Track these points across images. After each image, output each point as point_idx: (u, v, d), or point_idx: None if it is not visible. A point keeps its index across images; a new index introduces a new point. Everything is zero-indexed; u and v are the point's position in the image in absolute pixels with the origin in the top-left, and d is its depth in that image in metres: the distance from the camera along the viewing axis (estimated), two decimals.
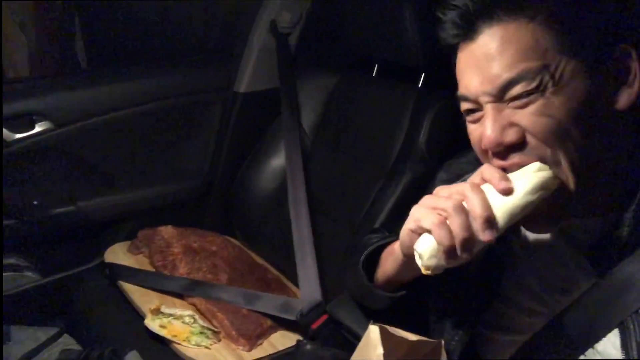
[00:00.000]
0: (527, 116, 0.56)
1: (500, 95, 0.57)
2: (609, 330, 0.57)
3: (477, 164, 0.80)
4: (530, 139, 0.56)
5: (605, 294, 0.57)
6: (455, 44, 0.61)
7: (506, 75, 0.56)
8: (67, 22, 1.93)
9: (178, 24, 1.86)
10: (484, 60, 0.57)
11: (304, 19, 1.51)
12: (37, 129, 1.30)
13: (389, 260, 0.72)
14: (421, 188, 0.96)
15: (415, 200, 0.63)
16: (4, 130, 1.26)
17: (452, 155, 0.86)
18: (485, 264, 0.71)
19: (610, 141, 0.58)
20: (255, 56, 1.50)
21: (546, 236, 0.66)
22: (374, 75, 1.40)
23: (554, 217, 0.60)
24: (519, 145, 0.57)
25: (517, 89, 0.56)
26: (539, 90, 0.55)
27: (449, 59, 0.65)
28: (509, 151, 0.58)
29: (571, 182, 0.57)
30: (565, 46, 0.55)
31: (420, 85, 1.28)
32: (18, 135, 1.28)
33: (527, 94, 0.55)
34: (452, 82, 0.65)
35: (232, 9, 1.60)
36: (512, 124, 0.57)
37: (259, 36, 1.49)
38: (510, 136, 0.57)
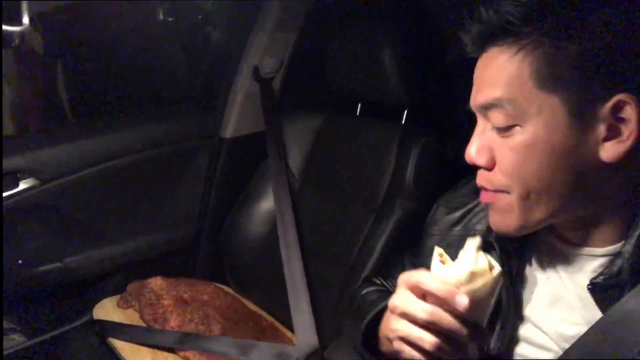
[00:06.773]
0: (500, 147, 0.58)
1: (484, 115, 0.59)
2: None
3: (476, 195, 0.79)
4: (497, 167, 0.59)
5: (610, 329, 0.55)
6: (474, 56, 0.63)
7: (481, 99, 0.59)
8: (49, 72, 1.94)
9: (162, 72, 1.88)
10: (479, 78, 0.60)
11: (286, 63, 1.53)
12: (22, 186, 1.28)
13: None
14: (411, 224, 0.95)
15: (406, 237, 0.62)
16: None
17: (441, 189, 0.85)
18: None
19: (593, 186, 0.57)
20: (240, 102, 1.50)
21: (549, 271, 0.66)
22: (357, 114, 1.41)
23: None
24: (490, 168, 0.60)
25: (493, 115, 0.58)
26: (515, 123, 0.56)
27: (430, 95, 0.66)
28: (483, 169, 0.61)
29: (517, 216, 0.59)
30: (547, 82, 0.54)
31: (404, 121, 1.29)
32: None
33: (507, 126, 0.57)
34: (435, 116, 0.66)
35: (215, 57, 1.62)
36: (490, 149, 0.59)
37: (243, 82, 1.50)
38: (481, 159, 0.60)
